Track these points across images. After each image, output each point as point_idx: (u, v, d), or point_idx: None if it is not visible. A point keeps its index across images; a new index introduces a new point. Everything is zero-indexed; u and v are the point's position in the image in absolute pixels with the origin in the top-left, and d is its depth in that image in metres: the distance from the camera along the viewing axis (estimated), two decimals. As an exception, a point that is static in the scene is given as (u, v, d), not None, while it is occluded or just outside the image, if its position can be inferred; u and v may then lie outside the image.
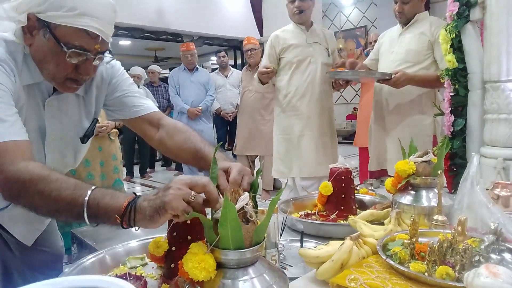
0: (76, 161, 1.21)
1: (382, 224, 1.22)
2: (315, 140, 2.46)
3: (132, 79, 4.66)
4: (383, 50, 2.44)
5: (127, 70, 5.65)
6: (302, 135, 2.45)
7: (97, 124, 2.67)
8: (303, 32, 2.46)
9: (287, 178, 2.54)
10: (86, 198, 0.78)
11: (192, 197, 0.74)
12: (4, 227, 1.16)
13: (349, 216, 1.42)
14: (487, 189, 1.31)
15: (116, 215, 0.77)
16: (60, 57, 0.95)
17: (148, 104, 1.25)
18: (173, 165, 6.67)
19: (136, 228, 0.78)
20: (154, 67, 6.30)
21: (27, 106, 1.00)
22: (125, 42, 7.93)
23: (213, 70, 6.41)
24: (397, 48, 2.30)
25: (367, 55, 4.27)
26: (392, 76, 2.11)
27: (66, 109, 1.10)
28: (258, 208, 0.86)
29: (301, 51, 2.42)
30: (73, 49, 0.93)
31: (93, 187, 0.80)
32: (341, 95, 9.55)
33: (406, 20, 2.26)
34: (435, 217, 1.14)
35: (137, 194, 0.81)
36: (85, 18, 0.91)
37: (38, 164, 0.87)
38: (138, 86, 5.66)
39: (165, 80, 6.23)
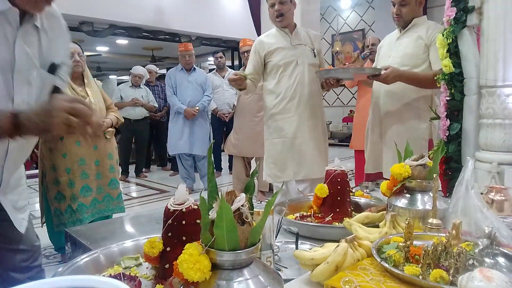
0: (42, 95, 1.16)
1: (377, 226, 1.22)
2: (308, 142, 2.45)
3: (134, 78, 4.63)
4: (381, 54, 2.45)
5: (128, 69, 5.63)
6: (295, 137, 2.44)
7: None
8: (287, 35, 2.46)
9: (281, 181, 2.53)
10: None
11: (74, 123, 0.89)
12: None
13: (344, 218, 1.42)
14: (481, 193, 1.32)
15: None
16: None
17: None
18: (169, 165, 6.65)
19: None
20: (152, 67, 6.28)
21: None
22: (122, 41, 7.91)
23: (211, 70, 6.41)
24: (394, 52, 2.32)
25: (363, 58, 4.29)
26: (382, 72, 2.10)
27: (30, 40, 1.09)
28: (254, 210, 0.86)
29: (287, 53, 2.42)
30: None
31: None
32: (338, 97, 9.58)
33: (404, 24, 2.27)
34: (430, 220, 1.14)
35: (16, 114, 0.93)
36: None
37: None
38: (140, 86, 5.68)
39: (162, 79, 6.22)
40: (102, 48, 8.74)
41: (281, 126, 2.47)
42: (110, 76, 13.11)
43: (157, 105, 5.91)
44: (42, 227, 2.72)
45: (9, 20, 1.02)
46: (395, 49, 2.32)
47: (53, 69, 1.17)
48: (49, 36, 1.15)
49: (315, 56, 2.49)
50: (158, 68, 6.70)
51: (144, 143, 6.03)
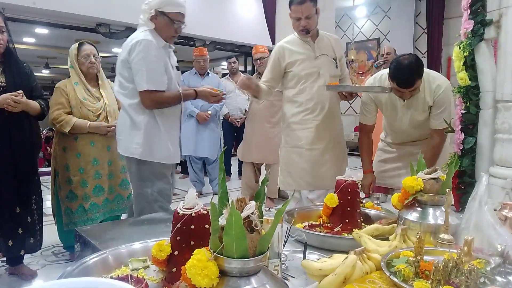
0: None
1: (387, 239, 1.21)
2: (324, 154, 2.39)
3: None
4: (388, 115, 2.32)
5: None
6: (311, 149, 2.39)
7: (105, 124, 2.70)
8: (310, 45, 2.37)
9: (294, 190, 2.50)
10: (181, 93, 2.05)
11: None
12: None
13: (353, 229, 1.41)
14: (495, 210, 1.29)
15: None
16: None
17: None
18: (179, 168, 6.68)
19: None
20: (166, 70, 6.34)
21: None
22: (138, 44, 8.00)
23: (224, 75, 6.44)
24: (404, 118, 2.22)
25: (377, 67, 4.27)
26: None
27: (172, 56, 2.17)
28: (263, 217, 0.85)
29: (308, 64, 2.34)
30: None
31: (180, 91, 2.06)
32: (350, 106, 9.53)
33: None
34: (441, 235, 1.12)
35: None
36: None
37: None
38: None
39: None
40: (118, 50, 8.86)
41: (298, 136, 2.42)
42: (125, 78, 13.29)
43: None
44: (55, 224, 2.75)
45: (165, 48, 2.03)
46: (404, 116, 2.22)
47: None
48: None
49: (337, 66, 2.39)
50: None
51: None
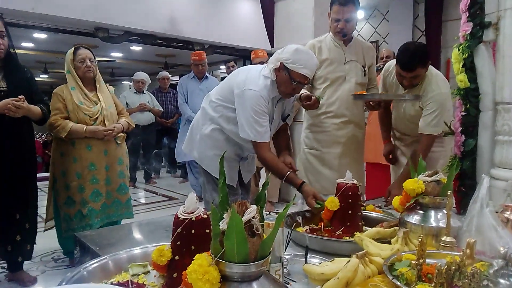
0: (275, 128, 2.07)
1: (389, 242, 1.20)
2: (340, 159, 2.36)
3: (137, 84, 4.65)
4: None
5: (132, 75, 5.55)
6: (327, 153, 2.37)
7: (102, 128, 2.69)
8: (341, 48, 2.33)
9: (295, 195, 2.49)
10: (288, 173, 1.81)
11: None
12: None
13: (355, 233, 1.40)
14: (496, 212, 1.29)
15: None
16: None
17: None
18: (178, 172, 6.67)
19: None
20: (167, 74, 6.34)
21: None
22: (136, 48, 8.01)
23: (222, 79, 6.43)
24: (399, 106, 2.29)
25: (376, 70, 4.26)
26: None
27: (288, 107, 2.06)
28: (264, 222, 0.85)
29: (336, 68, 2.31)
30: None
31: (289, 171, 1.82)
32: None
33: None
34: (443, 238, 1.12)
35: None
36: None
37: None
38: (143, 91, 5.73)
39: (173, 86, 6.27)
40: (116, 54, 8.86)
41: (316, 138, 2.40)
42: (123, 82, 13.28)
43: (162, 109, 5.94)
44: (43, 231, 2.69)
45: (275, 98, 1.91)
46: (399, 104, 2.28)
47: (284, 117, 2.06)
48: (285, 103, 2.01)
49: (364, 74, 2.36)
50: (170, 75, 6.76)
51: (152, 148, 6.06)
